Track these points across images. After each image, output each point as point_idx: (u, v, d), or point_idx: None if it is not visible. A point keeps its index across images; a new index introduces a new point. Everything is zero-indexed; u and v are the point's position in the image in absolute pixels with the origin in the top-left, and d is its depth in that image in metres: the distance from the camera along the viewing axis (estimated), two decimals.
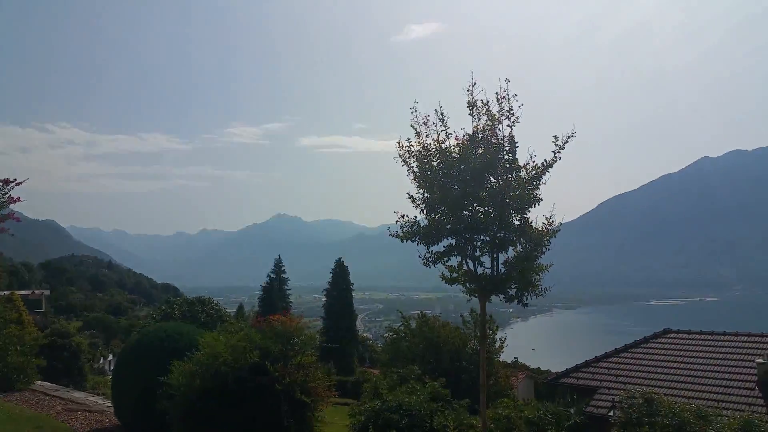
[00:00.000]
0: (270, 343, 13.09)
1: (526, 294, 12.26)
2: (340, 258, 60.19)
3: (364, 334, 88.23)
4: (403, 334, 29.47)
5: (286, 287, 64.81)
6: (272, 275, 63.85)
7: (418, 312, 32.20)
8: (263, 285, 63.09)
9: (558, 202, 12.27)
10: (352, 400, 24.35)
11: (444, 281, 12.63)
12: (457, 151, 11.99)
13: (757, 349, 20.21)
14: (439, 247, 12.35)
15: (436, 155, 12.13)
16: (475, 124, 11.94)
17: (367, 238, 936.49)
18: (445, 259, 12.42)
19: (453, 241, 12.21)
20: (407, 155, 12.41)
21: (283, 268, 64.93)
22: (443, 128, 12.16)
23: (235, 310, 69.15)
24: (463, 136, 12.02)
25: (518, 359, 49.28)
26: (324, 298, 59.39)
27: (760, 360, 18.66)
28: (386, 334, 34.19)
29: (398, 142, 12.46)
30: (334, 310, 56.26)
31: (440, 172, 12.02)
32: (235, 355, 12.52)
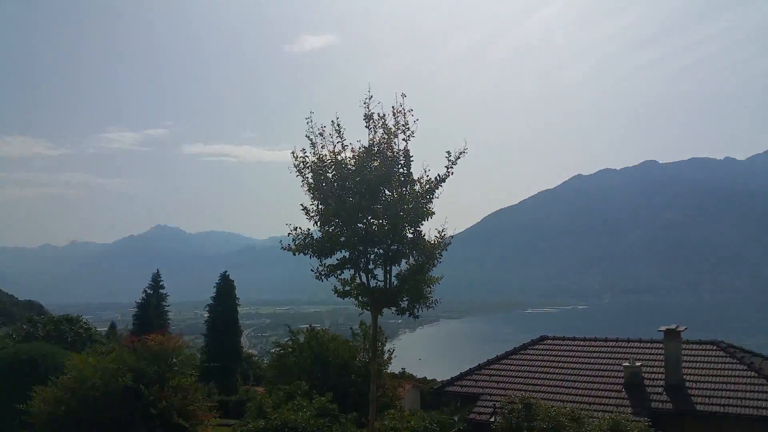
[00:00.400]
0: (145, 364, 12.37)
1: (418, 306, 12.43)
2: (226, 271, 58.01)
3: (249, 351, 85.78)
4: (290, 349, 28.75)
5: (164, 303, 61.13)
6: (149, 290, 60.01)
7: (307, 325, 31.62)
8: (138, 301, 59.09)
9: (448, 216, 12.59)
10: (234, 421, 23.39)
11: (336, 294, 12.50)
12: (352, 163, 11.93)
13: (624, 353, 21.92)
14: (332, 260, 12.21)
15: (331, 167, 12.00)
16: (371, 136, 11.97)
17: (256, 250, 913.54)
18: (338, 272, 12.31)
19: (346, 254, 12.14)
20: (302, 166, 12.17)
21: (161, 283, 61.22)
22: (339, 140, 12.09)
23: (106, 329, 64.31)
24: (359, 148, 12.00)
25: (405, 369, 50.05)
26: (207, 314, 56.83)
27: (627, 363, 20.22)
28: (273, 350, 33.26)
29: (293, 153, 12.20)
30: (218, 326, 54.02)
31: (335, 183, 11.90)
32: (105, 379, 11.65)
